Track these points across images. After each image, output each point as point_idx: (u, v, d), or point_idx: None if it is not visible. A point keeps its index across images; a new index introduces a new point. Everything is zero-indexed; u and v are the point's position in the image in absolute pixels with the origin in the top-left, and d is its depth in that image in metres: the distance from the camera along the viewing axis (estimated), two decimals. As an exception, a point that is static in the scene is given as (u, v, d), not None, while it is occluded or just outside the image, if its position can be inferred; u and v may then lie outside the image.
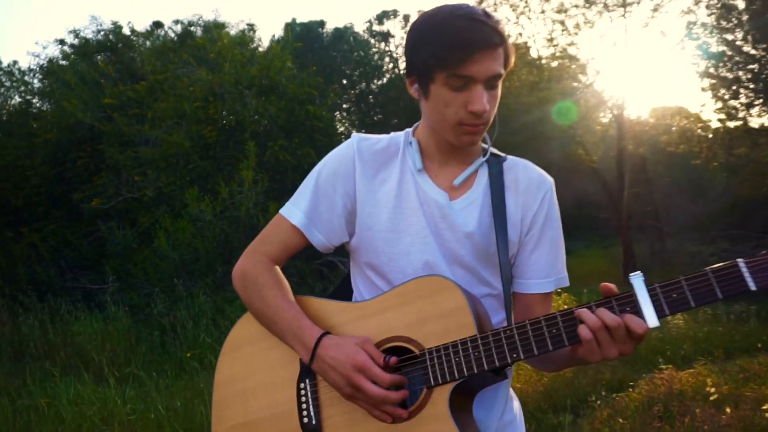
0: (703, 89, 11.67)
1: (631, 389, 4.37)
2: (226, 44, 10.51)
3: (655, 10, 10.81)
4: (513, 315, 1.27)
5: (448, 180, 1.25)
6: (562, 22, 10.73)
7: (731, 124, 11.88)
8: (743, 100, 11.72)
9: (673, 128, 13.46)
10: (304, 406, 1.19)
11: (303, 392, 1.20)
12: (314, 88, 10.19)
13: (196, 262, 7.21)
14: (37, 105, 13.49)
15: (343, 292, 1.39)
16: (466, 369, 1.07)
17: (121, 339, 5.89)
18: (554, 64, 11.48)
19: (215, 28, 13.54)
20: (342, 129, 17.93)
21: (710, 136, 12.88)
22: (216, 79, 9.43)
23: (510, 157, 1.31)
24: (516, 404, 1.33)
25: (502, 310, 1.27)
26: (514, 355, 1.05)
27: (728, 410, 3.74)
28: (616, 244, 15.14)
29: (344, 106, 20.34)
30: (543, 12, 11.72)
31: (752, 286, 0.93)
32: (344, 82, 20.05)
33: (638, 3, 10.87)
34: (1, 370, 5.47)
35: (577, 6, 10.69)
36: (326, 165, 1.29)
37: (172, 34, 14.02)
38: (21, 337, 6.20)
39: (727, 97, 11.76)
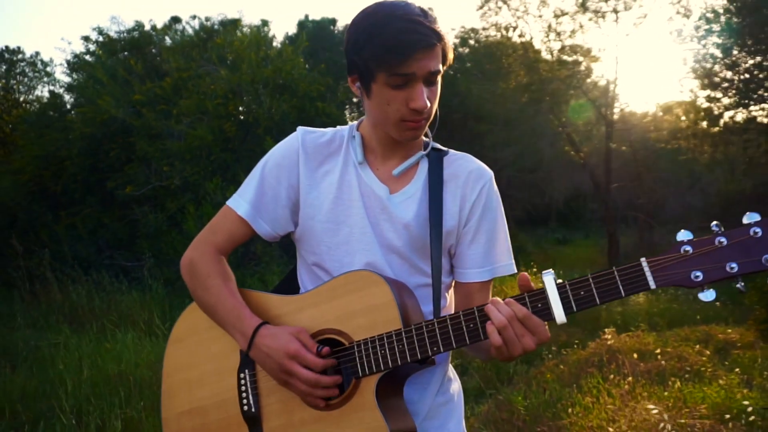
0: (690, 90, 12.42)
1: (579, 347, 5.30)
2: (244, 45, 11.43)
3: (644, 16, 11.56)
4: (454, 304, 1.36)
5: (389, 173, 1.30)
6: (556, 31, 11.56)
7: (717, 122, 12.63)
8: (727, 100, 12.45)
9: (663, 125, 14.21)
10: (244, 394, 1.25)
11: (243, 382, 1.26)
12: (323, 86, 11.12)
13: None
14: (67, 99, 14.49)
15: (290, 284, 1.43)
16: (391, 361, 1.13)
17: (157, 306, 6.91)
18: (554, 58, 12.29)
19: (231, 25, 14.48)
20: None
21: (697, 132, 13.64)
22: (234, 78, 10.39)
23: (451, 151, 1.36)
24: (454, 386, 1.37)
25: (441, 298, 1.30)
26: (435, 348, 1.12)
27: (648, 362, 4.69)
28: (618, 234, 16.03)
29: (354, 100, 21.15)
30: (540, 16, 12.56)
31: (652, 285, 1.00)
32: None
33: (628, 10, 11.64)
34: (57, 330, 6.49)
35: (568, 13, 11.49)
36: (271, 157, 1.33)
37: (190, 30, 14.97)
38: (71, 304, 7.23)
39: (717, 96, 12.48)
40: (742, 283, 0.99)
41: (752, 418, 3.46)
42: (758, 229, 0.98)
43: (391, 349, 1.13)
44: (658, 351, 4.98)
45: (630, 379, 4.18)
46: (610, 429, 3.25)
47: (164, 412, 1.36)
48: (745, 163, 10.58)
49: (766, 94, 11.20)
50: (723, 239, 0.99)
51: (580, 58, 12.23)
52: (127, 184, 9.55)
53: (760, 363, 4.88)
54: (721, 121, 11.90)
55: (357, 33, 1.16)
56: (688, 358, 4.82)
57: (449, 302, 1.35)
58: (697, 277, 0.99)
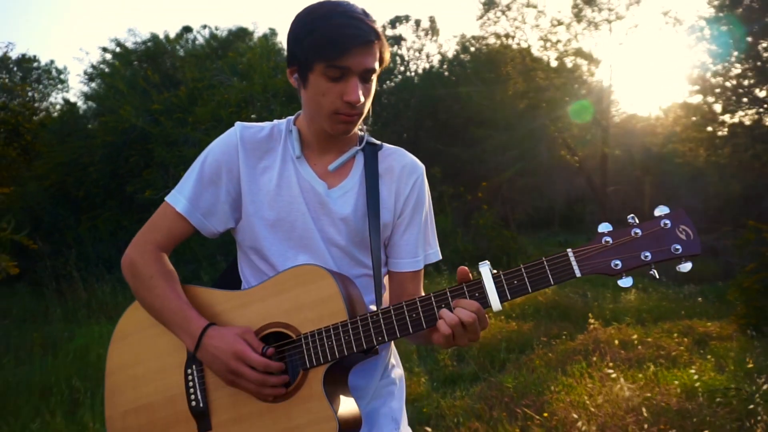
0: (685, 95, 12.88)
1: (567, 338, 5.78)
2: (256, 55, 11.97)
3: (635, 26, 12.04)
4: (388, 292, 1.40)
5: (326, 168, 1.32)
6: (551, 41, 12.07)
7: (712, 127, 13.07)
8: (719, 106, 12.89)
9: (658, 130, 14.68)
10: (191, 390, 1.26)
11: (190, 377, 1.27)
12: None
13: (234, 242, 8.78)
14: (85, 107, 15.06)
15: (230, 278, 1.44)
16: (338, 352, 1.16)
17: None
18: (549, 66, 12.79)
19: (241, 34, 15.04)
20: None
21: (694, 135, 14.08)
22: (247, 88, 10.93)
23: (386, 145, 1.39)
24: (397, 371, 1.44)
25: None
26: (379, 338, 1.16)
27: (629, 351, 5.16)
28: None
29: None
30: (537, 26, 13.06)
31: (578, 273, 1.06)
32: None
33: (620, 19, 12.14)
34: (87, 323, 7.01)
35: (563, 23, 12.00)
36: (210, 153, 1.32)
37: (201, 39, 15.56)
38: (97, 300, 7.76)
39: (710, 100, 12.93)
40: (654, 270, 1.08)
41: (718, 399, 3.92)
42: (668, 221, 1.08)
43: (337, 340, 1.17)
44: (639, 341, 5.45)
45: (611, 364, 4.65)
46: (588, 402, 3.73)
47: (108, 410, 1.34)
48: (733, 167, 11.04)
49: (755, 98, 11.66)
50: (638, 230, 1.08)
51: (581, 61, 12.72)
52: (146, 189, 10.09)
53: (735, 353, 5.33)
54: (714, 126, 12.34)
55: (299, 26, 1.21)
56: (666, 347, 5.28)
57: (386, 291, 1.41)
58: (616, 265, 1.08)
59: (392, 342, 1.38)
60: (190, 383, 1.27)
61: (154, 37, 14.15)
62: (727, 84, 12.13)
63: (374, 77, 1.24)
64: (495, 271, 1.12)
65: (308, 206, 1.29)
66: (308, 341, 1.19)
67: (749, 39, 11.26)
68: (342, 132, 1.25)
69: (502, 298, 1.10)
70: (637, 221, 1.09)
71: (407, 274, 1.36)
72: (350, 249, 1.31)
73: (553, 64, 12.39)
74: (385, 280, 1.42)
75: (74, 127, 12.05)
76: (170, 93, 11.37)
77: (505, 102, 12.42)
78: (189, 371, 1.27)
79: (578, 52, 12.45)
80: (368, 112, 1.29)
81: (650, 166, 14.41)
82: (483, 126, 13.99)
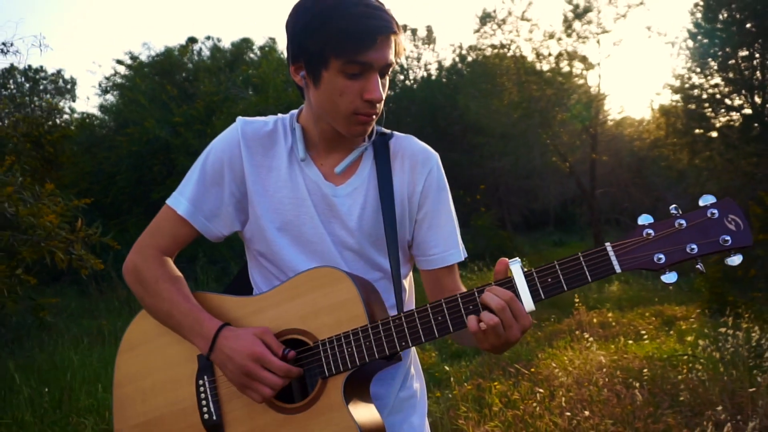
0: (665, 103, 13.85)
1: (555, 321, 6.69)
2: (271, 69, 12.85)
3: (616, 43, 12.99)
4: (427, 293, 1.32)
5: (333, 168, 1.24)
6: (542, 54, 13.06)
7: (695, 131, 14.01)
8: (700, 114, 13.82)
9: (644, 135, 15.64)
10: (204, 402, 1.21)
11: (202, 389, 1.22)
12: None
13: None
14: (102, 117, 15.92)
15: (241, 284, 1.38)
16: (358, 359, 1.11)
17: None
18: (542, 77, 13.73)
19: (244, 45, 15.93)
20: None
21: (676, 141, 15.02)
22: (261, 100, 11.83)
23: (396, 134, 1.30)
24: (417, 383, 1.36)
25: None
26: (403, 343, 1.10)
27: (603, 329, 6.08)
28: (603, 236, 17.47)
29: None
30: (530, 39, 14.03)
31: (618, 269, 1.01)
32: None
33: (606, 33, 13.10)
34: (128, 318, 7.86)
35: (552, 36, 13.00)
36: (212, 151, 1.25)
37: (206, 50, 16.39)
38: (134, 299, 8.61)
39: (691, 107, 13.86)
40: (701, 264, 1.01)
41: (673, 363, 4.82)
42: (714, 210, 1.00)
43: (357, 346, 1.11)
44: (615, 322, 6.37)
45: (590, 339, 5.56)
46: (567, 364, 4.63)
47: (117, 424, 1.30)
48: (709, 170, 11.99)
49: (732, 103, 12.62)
50: (683, 221, 1.01)
51: (578, 65, 13.61)
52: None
53: (695, 330, 6.24)
54: (693, 131, 13.28)
55: (308, 17, 1.10)
56: (637, 326, 6.20)
57: (409, 293, 1.34)
58: (659, 259, 1.00)
59: (414, 349, 1.35)
60: (202, 395, 1.22)
61: (168, 51, 15.02)
62: (704, 94, 13.08)
63: (389, 72, 1.16)
64: (527, 270, 1.06)
65: (317, 209, 1.23)
66: (326, 348, 1.14)
67: (727, 50, 12.20)
68: (359, 133, 1.18)
69: (536, 297, 1.04)
70: (681, 212, 1.02)
71: (442, 270, 1.28)
72: (365, 251, 1.25)
73: (547, 72, 13.34)
74: (408, 282, 1.35)
75: (98, 138, 12.93)
76: (188, 106, 12.26)
77: (501, 111, 13.40)
78: (201, 382, 1.22)
79: (573, 55, 13.33)
80: (383, 112, 1.21)
81: (637, 170, 15.36)
82: (480, 133, 14.95)
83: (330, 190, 1.23)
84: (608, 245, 1.02)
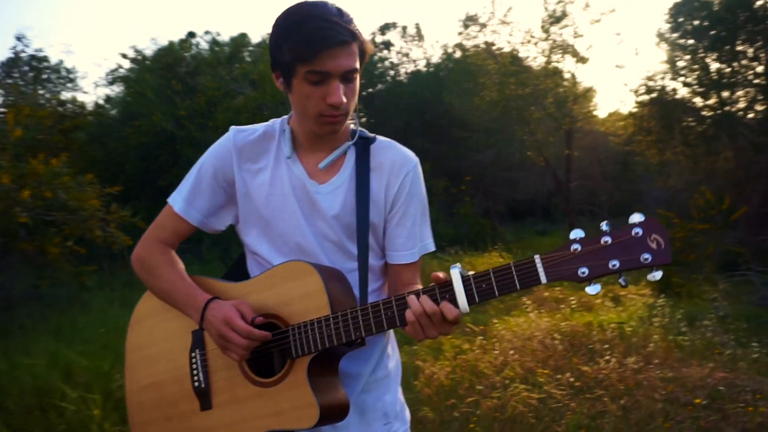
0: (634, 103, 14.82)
1: (516, 297, 7.69)
2: (266, 66, 13.66)
3: (590, 46, 13.84)
4: (386, 283, 1.48)
5: (317, 165, 1.37)
6: (519, 57, 14.02)
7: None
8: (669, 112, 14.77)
9: (619, 131, 16.64)
10: (195, 371, 1.39)
11: (194, 360, 1.40)
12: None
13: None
14: (108, 108, 16.72)
15: (240, 270, 1.54)
16: (321, 344, 1.26)
17: (214, 275, 9.28)
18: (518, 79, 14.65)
19: (241, 40, 16.69)
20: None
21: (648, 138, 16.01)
22: (259, 96, 12.70)
23: (379, 138, 1.42)
24: (392, 362, 1.50)
25: (374, 280, 1.44)
26: (358, 333, 1.23)
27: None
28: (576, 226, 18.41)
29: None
30: (509, 42, 14.99)
31: (544, 280, 1.09)
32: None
33: (578, 37, 14.08)
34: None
35: (531, 41, 14.00)
36: (207, 159, 1.41)
37: (204, 44, 17.07)
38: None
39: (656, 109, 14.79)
40: (624, 278, 1.08)
41: (610, 326, 5.80)
42: (639, 230, 1.06)
43: (320, 333, 1.25)
44: (570, 297, 7.39)
45: (543, 311, 6.56)
46: (515, 327, 5.63)
47: (128, 384, 1.50)
48: (672, 164, 13.06)
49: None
50: (608, 239, 1.07)
51: (571, 57, 14.43)
52: (176, 183, 11.84)
53: (639, 306, 7.24)
54: (661, 129, 14.25)
55: (278, 32, 1.24)
56: (588, 301, 7.21)
57: (384, 283, 1.48)
58: (583, 272, 1.08)
59: (390, 332, 1.48)
60: (194, 365, 1.39)
61: (171, 45, 15.77)
62: (677, 95, 14.04)
63: (357, 76, 1.26)
64: (466, 275, 1.14)
65: (299, 204, 1.36)
66: (295, 333, 1.28)
67: (700, 54, 13.15)
68: (329, 132, 1.30)
69: (470, 300, 1.13)
70: (610, 229, 1.08)
71: (402, 266, 1.42)
72: (343, 243, 1.38)
73: (524, 73, 14.29)
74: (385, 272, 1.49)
75: (106, 128, 13.80)
76: (191, 100, 13.11)
77: (482, 109, 14.39)
78: (193, 354, 1.40)
79: (564, 49, 14.15)
80: (355, 106, 1.31)
81: (613, 164, 16.37)
82: (464, 128, 15.94)
83: (313, 187, 1.37)
84: (537, 257, 1.11)
